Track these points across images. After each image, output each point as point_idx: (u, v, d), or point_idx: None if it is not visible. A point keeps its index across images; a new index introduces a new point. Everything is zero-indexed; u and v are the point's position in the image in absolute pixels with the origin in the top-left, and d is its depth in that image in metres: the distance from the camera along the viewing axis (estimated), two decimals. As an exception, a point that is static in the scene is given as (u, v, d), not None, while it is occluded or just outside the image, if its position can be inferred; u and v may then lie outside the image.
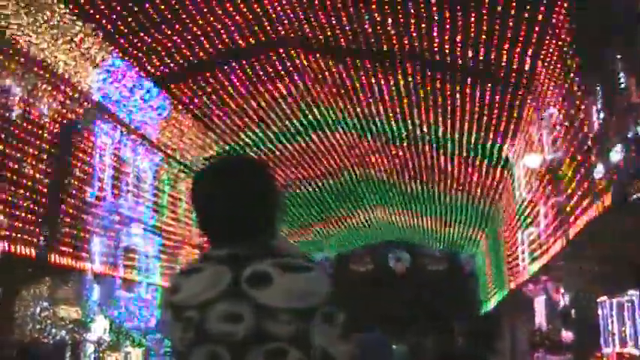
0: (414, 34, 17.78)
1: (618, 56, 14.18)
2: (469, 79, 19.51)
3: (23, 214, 17.50)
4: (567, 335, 19.65)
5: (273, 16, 19.04)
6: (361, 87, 22.73)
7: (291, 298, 2.03)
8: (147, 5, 15.99)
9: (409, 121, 24.53)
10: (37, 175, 17.88)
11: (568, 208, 18.06)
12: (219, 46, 20.10)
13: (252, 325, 2.00)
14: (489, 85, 19.28)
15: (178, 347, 2.11)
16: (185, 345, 2.08)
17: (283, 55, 21.50)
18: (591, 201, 15.81)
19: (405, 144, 27.12)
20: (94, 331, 21.34)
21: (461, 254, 44.34)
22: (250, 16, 18.90)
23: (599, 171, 15.88)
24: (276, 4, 18.43)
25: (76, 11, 17.16)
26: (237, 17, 18.89)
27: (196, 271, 2.15)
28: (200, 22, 18.52)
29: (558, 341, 19.67)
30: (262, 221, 2.19)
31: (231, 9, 18.42)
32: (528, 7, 14.41)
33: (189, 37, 19.22)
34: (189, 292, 2.11)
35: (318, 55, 21.31)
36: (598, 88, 15.79)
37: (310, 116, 25.76)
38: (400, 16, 17.05)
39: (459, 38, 16.94)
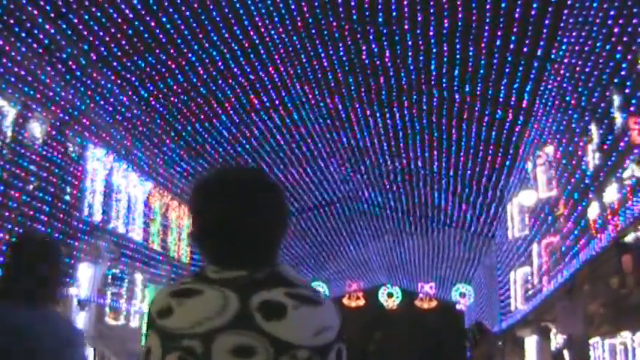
0: (411, 68, 17.69)
1: (615, 97, 14.10)
2: (465, 115, 19.41)
3: (8, 237, 17.19)
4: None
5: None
6: (356, 119, 22.59)
7: (307, 333, 1.80)
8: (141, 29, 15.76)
9: (403, 156, 24.40)
10: (25, 198, 17.59)
11: (563, 248, 17.89)
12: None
13: None
14: (486, 120, 19.19)
15: None
16: None
17: (279, 85, 21.33)
18: (587, 241, 15.66)
19: (399, 179, 26.99)
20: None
21: (452, 291, 44.18)
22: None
23: (594, 210, 15.76)
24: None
25: (70, 33, 16.97)
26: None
27: (193, 294, 1.86)
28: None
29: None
30: (274, 244, 1.94)
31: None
32: (527, 42, 14.33)
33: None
34: (187, 317, 1.82)
35: (313, 87, 21.16)
36: (594, 127, 15.71)
37: (304, 147, 25.59)
38: (397, 49, 16.95)
39: (456, 72, 16.86)
